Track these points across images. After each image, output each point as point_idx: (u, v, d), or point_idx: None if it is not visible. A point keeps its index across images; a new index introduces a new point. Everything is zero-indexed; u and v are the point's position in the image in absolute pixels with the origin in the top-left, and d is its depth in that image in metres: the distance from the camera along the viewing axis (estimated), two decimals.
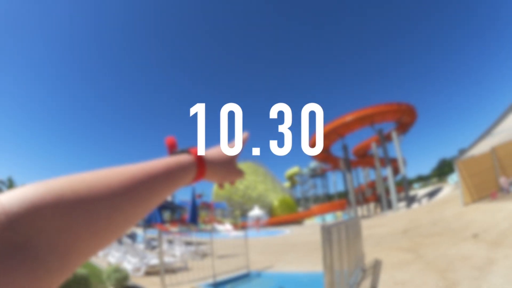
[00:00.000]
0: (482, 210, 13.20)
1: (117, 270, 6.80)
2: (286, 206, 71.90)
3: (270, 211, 69.68)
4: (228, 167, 0.82)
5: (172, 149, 0.80)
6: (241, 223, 52.08)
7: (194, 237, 13.33)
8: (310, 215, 59.06)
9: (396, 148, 40.05)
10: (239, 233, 10.30)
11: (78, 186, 0.38)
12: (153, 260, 9.35)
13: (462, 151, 17.72)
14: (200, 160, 0.68)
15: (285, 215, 62.24)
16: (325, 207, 58.26)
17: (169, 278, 7.37)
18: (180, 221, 45.28)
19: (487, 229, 8.98)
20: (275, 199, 72.45)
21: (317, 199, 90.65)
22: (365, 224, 25.46)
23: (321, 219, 54.49)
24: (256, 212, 42.96)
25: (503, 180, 16.44)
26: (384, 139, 40.64)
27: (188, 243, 14.38)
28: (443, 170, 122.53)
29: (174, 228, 37.93)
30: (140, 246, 15.42)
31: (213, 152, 0.78)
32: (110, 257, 10.96)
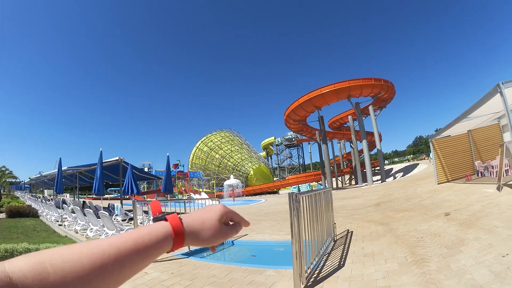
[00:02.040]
0: (455, 190, 13.51)
1: None
2: (262, 176, 73.17)
3: (245, 180, 70.65)
4: (211, 233, 0.79)
5: (155, 215, 0.75)
6: (217, 193, 52.61)
7: (170, 207, 13.33)
8: (285, 185, 60.35)
9: (372, 123, 40.88)
10: (215, 203, 10.31)
11: (56, 262, 0.47)
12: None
13: (437, 131, 17.98)
14: (177, 231, 0.67)
15: (260, 185, 63.21)
16: (300, 177, 59.68)
17: None
18: (157, 192, 45.55)
19: (459, 209, 9.18)
20: (251, 169, 73.51)
21: (292, 169, 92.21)
22: (339, 195, 26.14)
23: (296, 189, 55.69)
24: (231, 181, 43.37)
25: (478, 163, 16.87)
26: (361, 113, 41.41)
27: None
28: (419, 147, 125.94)
29: (151, 199, 38.19)
30: (118, 218, 15.50)
31: (195, 217, 0.77)
32: (88, 231, 10.93)
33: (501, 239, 5.49)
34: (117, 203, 18.53)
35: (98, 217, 10.96)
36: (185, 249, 8.05)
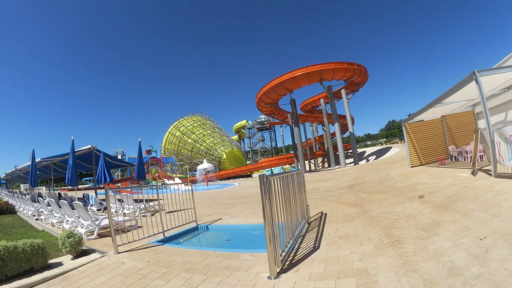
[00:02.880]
0: (429, 173, 13.73)
1: (70, 235, 6.71)
2: (235, 159, 74.30)
3: (218, 164, 71.00)
4: None
5: None
6: (190, 177, 52.55)
7: (144, 193, 13.16)
8: (258, 168, 61.49)
9: (345, 106, 41.61)
10: (189, 188, 10.23)
11: None
12: (105, 221, 9.26)
13: (410, 115, 18.26)
14: None
15: (233, 168, 64.52)
16: (273, 160, 60.72)
17: (120, 238, 7.52)
18: (130, 179, 45.04)
19: (433, 192, 9.28)
20: (223, 153, 74.03)
21: (265, 153, 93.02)
22: (312, 178, 26.36)
23: (269, 172, 56.50)
24: (204, 165, 43.52)
25: (451, 148, 17.24)
26: (333, 96, 42.00)
27: (139, 200, 14.39)
28: (392, 131, 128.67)
29: (125, 186, 37.71)
30: (93, 208, 15.44)
31: None
32: (64, 223, 10.68)
33: (478, 222, 5.51)
34: (91, 193, 18.39)
35: (73, 208, 10.72)
36: (160, 236, 8.18)
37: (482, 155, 12.88)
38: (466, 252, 4.33)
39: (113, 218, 8.89)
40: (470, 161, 14.05)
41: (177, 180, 39.83)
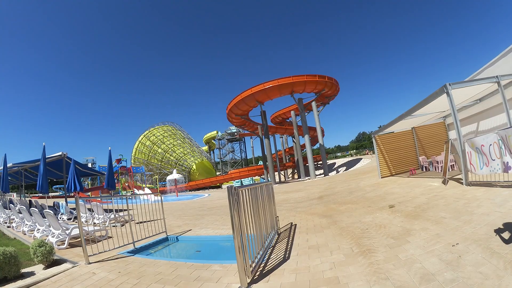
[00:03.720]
0: (399, 183, 13.95)
1: (41, 244, 6.55)
2: (204, 170, 74.17)
3: (188, 175, 70.70)
4: None
5: None
6: (160, 188, 52.01)
7: (114, 203, 12.93)
8: (228, 179, 61.53)
9: (315, 118, 42.37)
10: (159, 198, 10.06)
11: None
12: (75, 231, 9.06)
13: (380, 128, 18.69)
14: None
15: (203, 179, 64.30)
16: (243, 171, 61.04)
17: (91, 248, 7.54)
18: (100, 188, 44.01)
19: (403, 201, 9.38)
20: (193, 163, 74.14)
21: (235, 164, 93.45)
22: (282, 189, 26.35)
23: (239, 183, 56.45)
24: (174, 176, 42.88)
25: (422, 159, 17.66)
26: (304, 108, 42.49)
27: (109, 210, 14.06)
28: (362, 143, 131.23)
29: (95, 195, 36.68)
30: (64, 217, 14.95)
31: None
32: (36, 231, 10.37)
33: (449, 229, 5.56)
34: (62, 201, 17.89)
35: (44, 217, 10.38)
36: (130, 247, 8.09)
37: (453, 164, 13.24)
38: (438, 259, 4.33)
39: (84, 228, 8.79)
40: (441, 171, 14.41)
41: (147, 190, 39.20)
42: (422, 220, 6.65)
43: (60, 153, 15.64)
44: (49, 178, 20.49)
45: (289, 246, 6.46)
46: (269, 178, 44.78)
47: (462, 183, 9.92)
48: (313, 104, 42.77)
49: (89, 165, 74.20)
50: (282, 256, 5.81)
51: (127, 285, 5.13)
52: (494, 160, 8.11)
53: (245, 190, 5.16)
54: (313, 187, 23.10)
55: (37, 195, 51.04)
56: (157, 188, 50.55)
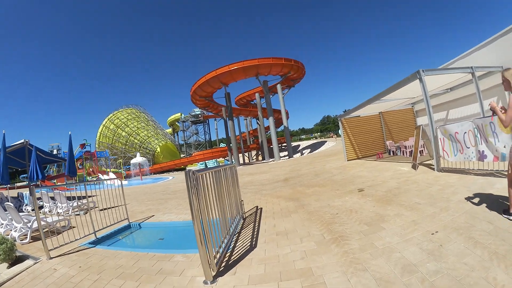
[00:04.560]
0: (367, 167, 13.87)
1: (2, 241, 6.08)
2: (169, 153, 74.42)
3: (152, 158, 70.23)
4: None
5: None
6: (126, 171, 51.12)
7: (77, 190, 12.30)
8: (192, 161, 61.79)
9: (280, 101, 42.29)
10: (124, 182, 9.58)
11: None
12: (36, 223, 8.31)
13: (347, 111, 18.67)
14: None
15: (167, 162, 64.27)
16: (207, 153, 61.22)
17: (51, 241, 7.03)
18: (63, 175, 42.23)
19: (373, 185, 9.19)
20: (157, 146, 74.21)
21: (199, 146, 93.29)
22: (246, 171, 26.16)
23: (203, 165, 56.73)
24: (138, 159, 42.08)
25: (389, 143, 17.72)
26: (269, 91, 42.47)
27: (72, 198, 13.64)
28: (327, 126, 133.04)
29: (61, 183, 35.10)
30: (28, 208, 14.46)
31: None
32: None
33: (426, 216, 5.31)
34: (26, 191, 17.26)
35: (6, 210, 9.75)
36: (92, 237, 7.75)
37: (422, 150, 13.27)
38: (418, 248, 4.06)
39: (45, 219, 8.69)
40: (409, 155, 14.45)
41: (111, 175, 38.19)
42: (395, 206, 6.40)
43: (22, 140, 15.02)
44: (13, 167, 20.00)
45: (255, 233, 6.09)
46: (233, 160, 44.51)
47: (433, 169, 9.85)
48: (278, 86, 42.67)
49: (55, 151, 71.53)
50: (249, 244, 5.44)
51: (87, 281, 4.74)
52: (469, 148, 8.02)
53: (205, 174, 4.71)
54: (278, 169, 22.97)
55: (4, 186, 48.72)
56: (121, 172, 49.35)
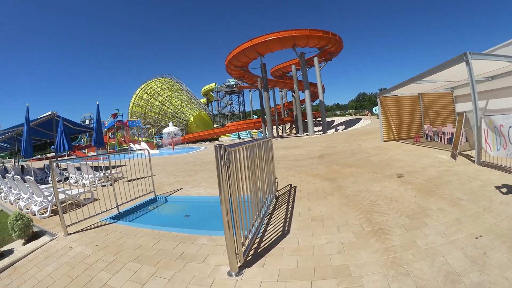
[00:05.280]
0: (404, 150, 13.34)
1: (19, 217, 5.96)
2: (202, 123, 74.93)
3: (185, 127, 70.98)
4: None
5: None
6: (160, 141, 51.68)
7: (105, 161, 12.37)
8: (225, 132, 62.00)
9: (316, 74, 41.44)
10: (155, 152, 9.47)
11: None
12: (60, 195, 8.15)
13: (385, 90, 17.88)
14: None
15: (200, 132, 64.28)
16: (240, 124, 60.71)
17: (69, 217, 6.78)
18: (89, 146, 43.03)
19: (412, 171, 8.76)
20: (191, 115, 74.73)
21: (233, 116, 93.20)
22: (280, 144, 25.95)
23: (236, 136, 56.66)
24: (170, 129, 42.21)
25: (427, 127, 16.98)
26: (305, 63, 41.49)
27: (100, 168, 13.72)
28: (362, 103, 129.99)
29: (92, 153, 35.99)
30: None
31: None
32: (21, 201, 9.59)
33: (470, 216, 4.93)
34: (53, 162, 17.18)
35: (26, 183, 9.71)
36: (114, 211, 7.54)
37: (462, 139, 12.64)
38: (462, 253, 3.74)
39: (68, 191, 8.40)
40: (447, 143, 13.78)
41: (143, 144, 38.64)
42: (437, 198, 6.01)
43: (49, 112, 14.87)
44: (42, 139, 20.25)
45: (289, 216, 5.86)
46: (267, 132, 44.29)
47: (473, 161, 9.23)
48: (315, 59, 41.65)
49: (87, 121, 72.92)
50: (281, 229, 5.21)
51: (102, 263, 4.54)
52: None
53: (238, 150, 4.31)
54: (313, 144, 22.64)
55: (35, 158, 50.37)
56: (153, 141, 49.91)
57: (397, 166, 9.92)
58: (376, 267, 3.62)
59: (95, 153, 29.30)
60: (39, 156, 49.86)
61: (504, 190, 6.14)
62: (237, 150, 4.25)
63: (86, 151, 41.79)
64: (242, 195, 4.28)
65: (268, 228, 5.28)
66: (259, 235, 4.94)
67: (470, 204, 5.50)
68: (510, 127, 7.31)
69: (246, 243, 4.31)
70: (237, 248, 3.85)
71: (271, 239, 4.80)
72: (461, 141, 10.30)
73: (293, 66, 46.18)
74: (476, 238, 4.12)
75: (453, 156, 10.17)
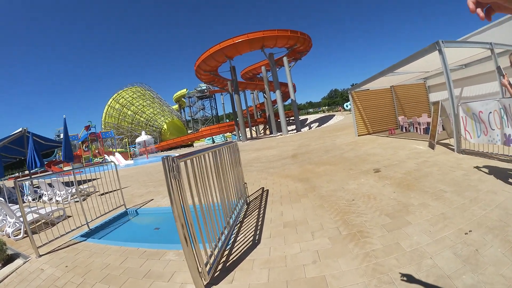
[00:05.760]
0: (380, 143, 13.10)
1: None
2: (176, 129, 74.85)
3: (159, 135, 71.90)
4: None
5: None
6: (131, 152, 50.96)
7: (77, 175, 11.82)
8: (199, 137, 61.52)
9: (286, 74, 41.61)
10: (130, 162, 8.97)
11: None
12: (30, 216, 7.88)
13: (356, 84, 17.77)
14: None
15: (174, 139, 64.27)
16: (214, 128, 60.49)
17: (44, 235, 6.87)
18: (59, 162, 41.99)
19: (389, 165, 8.43)
20: (164, 123, 74.56)
21: (206, 121, 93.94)
22: (253, 146, 25.54)
23: (210, 140, 56.86)
24: (143, 137, 41.43)
25: (402, 119, 16.89)
26: (275, 63, 41.69)
27: (71, 183, 13.40)
28: (334, 99, 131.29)
29: (68, 167, 35.14)
30: (29, 197, 13.80)
31: None
32: None
33: (456, 209, 4.56)
34: (26, 181, 16.68)
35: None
36: (85, 228, 7.28)
37: (438, 128, 12.56)
38: (452, 252, 3.35)
39: (40, 210, 8.23)
40: (423, 133, 13.63)
41: (117, 155, 37.80)
42: (418, 193, 5.64)
43: (20, 129, 14.32)
44: (17, 157, 19.54)
45: (260, 224, 5.40)
46: (240, 135, 43.98)
47: (452, 150, 8.99)
48: (285, 59, 41.68)
49: (61, 135, 71.90)
50: (252, 238, 4.75)
51: (70, 285, 4.22)
52: (494, 130, 7.12)
53: (190, 161, 3.84)
54: (286, 143, 22.34)
55: (13, 175, 48.89)
56: (127, 152, 49.10)
57: (373, 160, 9.60)
58: (355, 276, 3.18)
59: (71, 167, 28.49)
60: (17, 174, 48.30)
61: (489, 177, 5.85)
62: (190, 161, 3.79)
63: (62, 165, 40.62)
64: (206, 205, 3.89)
65: (238, 238, 4.82)
66: (228, 247, 4.51)
67: (454, 196, 5.14)
68: (490, 112, 7.08)
69: (211, 260, 3.87)
70: (200, 266, 3.45)
71: (241, 250, 4.35)
72: (438, 131, 10.07)
73: (263, 67, 46.15)
74: (465, 234, 3.74)
75: (431, 146, 9.93)
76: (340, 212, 5.29)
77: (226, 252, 4.31)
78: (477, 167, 6.75)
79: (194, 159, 3.92)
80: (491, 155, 7.55)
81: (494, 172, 6.18)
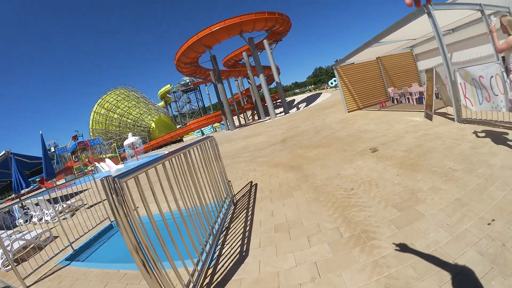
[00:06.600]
0: (372, 118, 12.47)
1: None
2: (164, 126, 75.35)
3: (148, 134, 72.47)
4: None
5: None
6: (122, 154, 50.46)
7: (62, 190, 11.36)
8: (188, 131, 61.74)
9: (268, 57, 41.08)
10: (120, 167, 8.48)
11: None
12: (16, 244, 7.54)
13: (341, 59, 17.09)
14: None
15: (163, 136, 64.26)
16: (201, 121, 60.84)
17: (33, 261, 6.57)
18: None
19: (387, 142, 7.82)
20: (151, 121, 74.94)
21: (193, 114, 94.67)
22: (242, 134, 25.02)
23: (199, 133, 57.82)
24: (130, 139, 40.67)
25: (391, 90, 16.32)
26: (255, 47, 41.26)
27: (54, 200, 13.00)
28: (320, 77, 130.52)
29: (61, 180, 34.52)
30: (21, 221, 13.23)
31: None
32: None
33: (472, 192, 3.96)
34: (16, 205, 16.13)
35: None
36: (69, 250, 6.88)
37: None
38: (476, 251, 2.79)
39: (26, 235, 7.84)
40: (416, 103, 13.08)
41: (108, 161, 37.04)
42: (425, 173, 5.01)
43: (3, 151, 13.93)
44: (7, 180, 18.69)
45: (247, 229, 4.76)
46: (228, 124, 43.42)
47: (452, 120, 8.39)
48: (265, 42, 40.90)
49: (52, 149, 71.29)
50: (238, 250, 4.13)
51: None
52: (497, 95, 6.49)
53: (135, 178, 3.32)
54: (275, 128, 21.76)
55: (9, 197, 48.24)
56: (117, 156, 48.37)
57: (368, 138, 8.98)
58: None
59: (64, 181, 28.06)
60: (9, 198, 47.85)
61: (499, 149, 5.26)
62: (137, 177, 3.33)
63: (55, 180, 39.94)
64: (179, 215, 3.68)
65: (224, 251, 4.21)
66: (212, 263, 3.91)
67: (467, 174, 4.55)
68: (492, 77, 6.46)
69: (195, 278, 3.31)
70: None
71: (226, 267, 3.74)
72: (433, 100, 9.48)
73: (244, 53, 45.58)
74: (488, 224, 3.17)
75: (428, 117, 9.32)
76: (339, 207, 4.68)
77: (210, 272, 3.70)
78: (483, 137, 6.18)
79: (145, 173, 3.48)
80: (495, 122, 6.94)
81: (503, 142, 5.57)
